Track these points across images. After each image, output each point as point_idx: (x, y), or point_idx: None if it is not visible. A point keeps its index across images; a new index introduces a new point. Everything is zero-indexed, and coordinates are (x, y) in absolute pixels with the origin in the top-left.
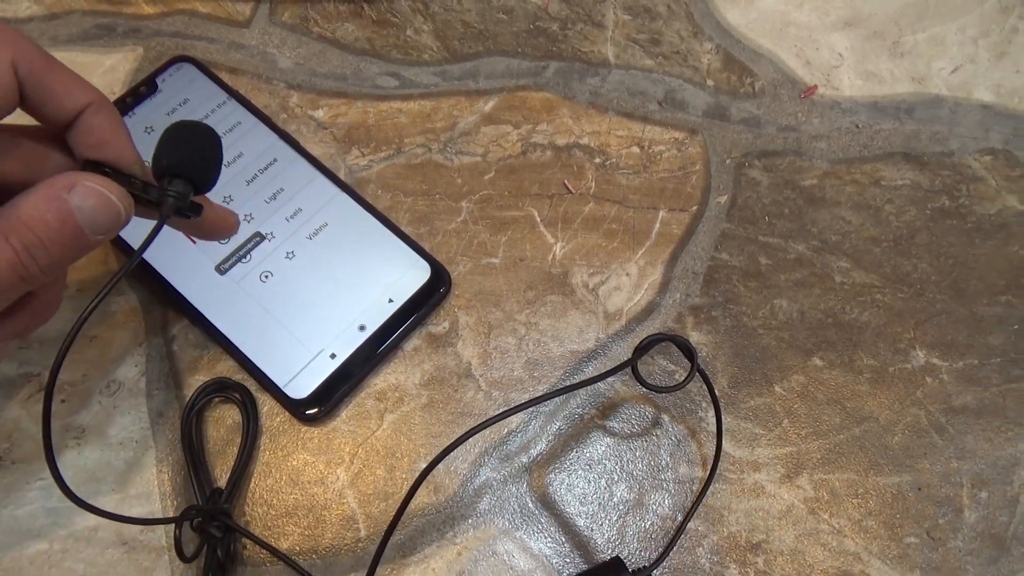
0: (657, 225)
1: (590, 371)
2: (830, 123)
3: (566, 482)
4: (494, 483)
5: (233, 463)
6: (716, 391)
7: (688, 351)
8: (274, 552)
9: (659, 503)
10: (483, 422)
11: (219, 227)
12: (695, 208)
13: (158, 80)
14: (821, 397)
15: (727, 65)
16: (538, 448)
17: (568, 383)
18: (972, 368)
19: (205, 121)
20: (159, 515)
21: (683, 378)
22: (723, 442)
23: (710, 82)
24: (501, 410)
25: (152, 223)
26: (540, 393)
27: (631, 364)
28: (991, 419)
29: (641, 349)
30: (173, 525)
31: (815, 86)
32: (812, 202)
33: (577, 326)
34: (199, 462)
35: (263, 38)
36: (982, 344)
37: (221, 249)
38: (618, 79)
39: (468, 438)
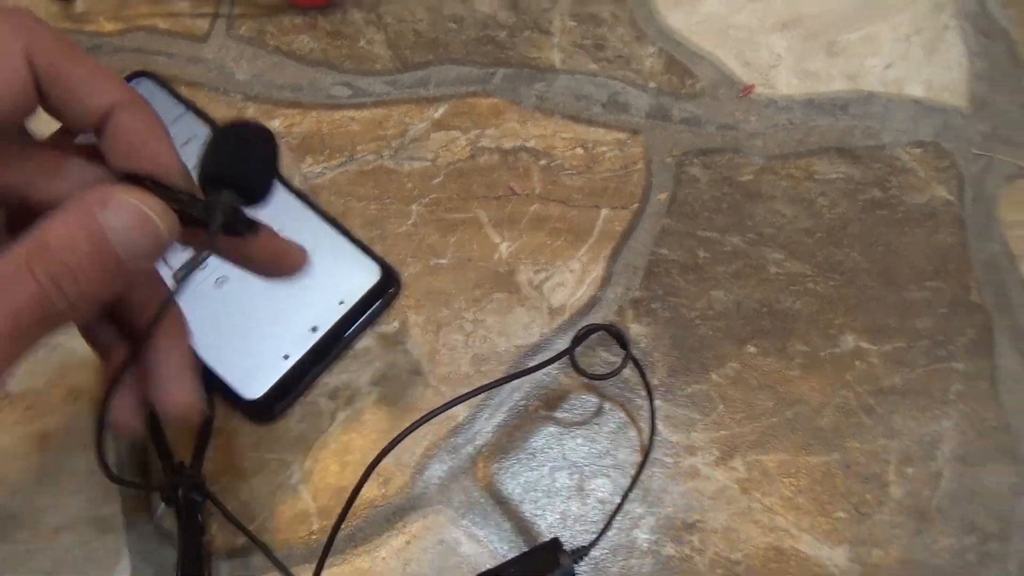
0: (600, 223)
1: (534, 364)
2: (767, 120)
3: (511, 471)
4: (442, 474)
5: (192, 453)
6: (650, 377)
7: (621, 340)
8: (244, 530)
9: (600, 488)
10: (427, 414)
11: (282, 260)
12: (636, 206)
13: None
14: (755, 383)
15: (669, 67)
16: (484, 440)
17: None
18: (900, 351)
19: None
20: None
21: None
22: (661, 428)
23: (652, 84)
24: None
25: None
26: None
27: (568, 353)
28: (917, 399)
29: (579, 339)
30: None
31: (753, 85)
32: (749, 197)
33: (522, 322)
34: (161, 435)
35: (221, 52)
36: (910, 327)
37: (179, 256)
38: (564, 84)
39: (413, 430)
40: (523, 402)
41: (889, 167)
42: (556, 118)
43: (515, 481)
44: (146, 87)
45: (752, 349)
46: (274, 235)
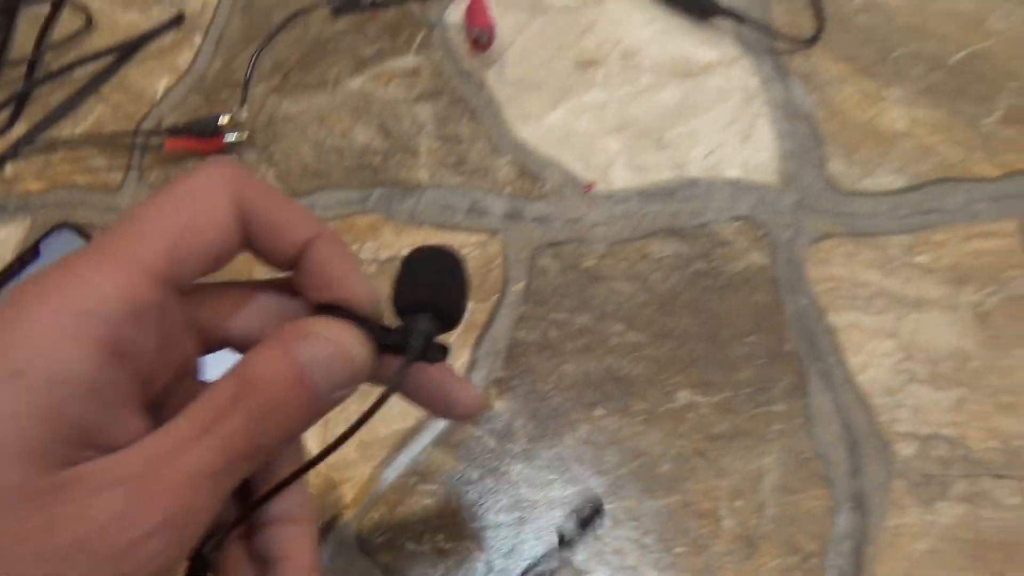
0: (465, 316)
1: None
2: (607, 212)
3: (394, 544)
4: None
5: None
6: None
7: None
8: None
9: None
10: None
11: (464, 400)
12: (496, 297)
13: (41, 245)
14: (603, 441)
15: (521, 174)
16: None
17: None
18: (727, 400)
19: None
20: None
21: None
22: (524, 490)
23: (507, 190)
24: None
25: None
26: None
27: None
28: (743, 440)
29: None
30: None
31: (593, 183)
32: (592, 280)
33: (401, 406)
34: None
35: (133, 199)
36: (735, 379)
37: None
38: (431, 197)
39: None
40: (402, 480)
41: (712, 241)
42: (426, 227)
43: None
44: (66, 236)
45: (600, 412)
46: (453, 373)
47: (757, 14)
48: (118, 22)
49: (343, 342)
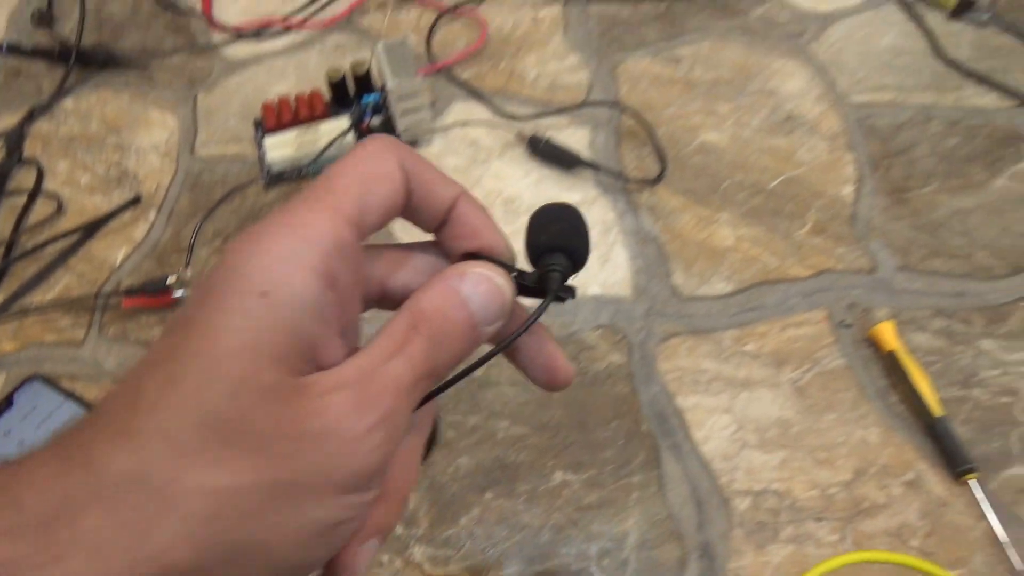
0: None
1: None
2: None
3: None
4: None
5: None
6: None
7: None
8: None
9: None
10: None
11: (564, 369)
12: None
13: (14, 396)
14: (493, 520)
15: None
16: None
17: None
18: (593, 476)
19: (44, 423)
20: None
21: None
22: (426, 566)
23: None
24: None
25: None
26: None
27: None
28: (608, 509)
29: None
30: None
31: None
32: (482, 386)
33: None
34: None
35: (94, 351)
36: (600, 458)
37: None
38: None
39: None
40: None
41: (580, 346)
42: None
43: None
44: (36, 387)
45: (490, 495)
46: (558, 346)
47: (612, 163)
48: (85, 205)
49: (495, 280)
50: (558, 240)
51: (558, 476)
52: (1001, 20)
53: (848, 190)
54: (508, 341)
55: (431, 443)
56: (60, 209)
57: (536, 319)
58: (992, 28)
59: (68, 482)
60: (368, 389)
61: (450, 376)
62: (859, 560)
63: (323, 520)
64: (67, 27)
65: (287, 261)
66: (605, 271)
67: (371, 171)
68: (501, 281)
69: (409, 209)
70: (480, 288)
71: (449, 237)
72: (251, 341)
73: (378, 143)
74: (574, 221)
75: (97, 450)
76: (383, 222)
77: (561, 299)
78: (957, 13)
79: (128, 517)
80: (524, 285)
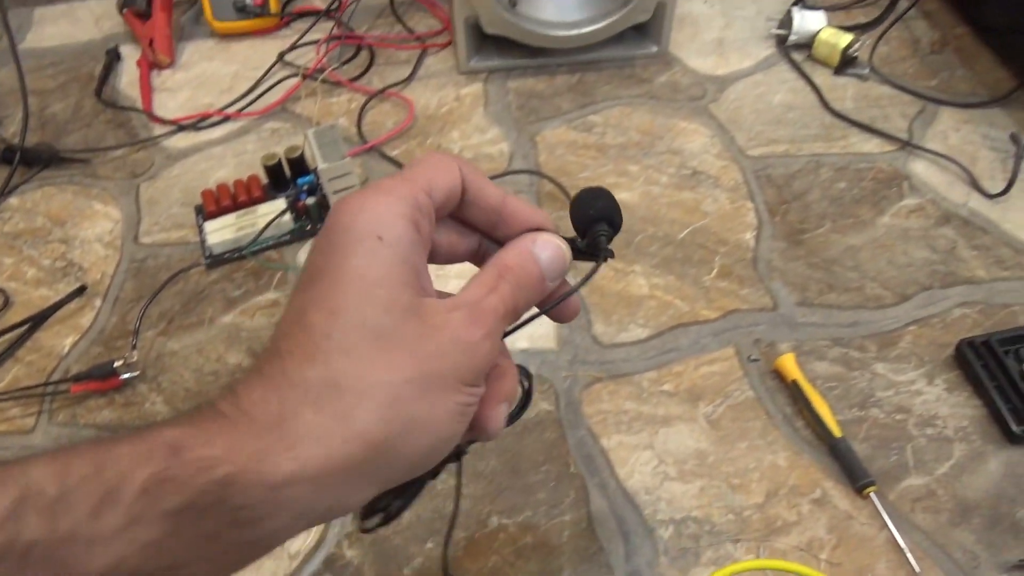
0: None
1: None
2: None
3: None
4: None
5: None
6: None
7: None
8: None
9: None
10: None
11: (570, 307)
12: None
13: None
14: (433, 568)
15: None
16: None
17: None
18: (528, 519)
19: None
20: None
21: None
22: None
23: None
24: None
25: None
26: None
27: None
28: (542, 548)
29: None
30: None
31: None
32: None
33: (271, 569)
34: None
35: (44, 437)
36: (533, 501)
37: None
38: None
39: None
40: None
41: None
42: None
43: None
44: None
45: (430, 544)
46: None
47: None
48: (32, 298)
49: (559, 244)
50: (603, 213)
51: (494, 521)
52: (879, 73)
53: (749, 236)
54: (580, 284)
55: (527, 398)
56: (7, 303)
57: (595, 272)
58: (872, 80)
59: (281, 395)
60: (476, 312)
61: (524, 319)
62: (756, 567)
63: (460, 402)
64: (10, 129)
65: (388, 212)
66: (532, 326)
67: (436, 165)
68: (563, 245)
69: (466, 203)
70: (548, 249)
71: (507, 227)
72: (385, 271)
73: (440, 153)
74: (610, 199)
75: (293, 371)
76: (447, 201)
77: (605, 259)
78: (840, 69)
79: (334, 410)
80: (577, 249)
